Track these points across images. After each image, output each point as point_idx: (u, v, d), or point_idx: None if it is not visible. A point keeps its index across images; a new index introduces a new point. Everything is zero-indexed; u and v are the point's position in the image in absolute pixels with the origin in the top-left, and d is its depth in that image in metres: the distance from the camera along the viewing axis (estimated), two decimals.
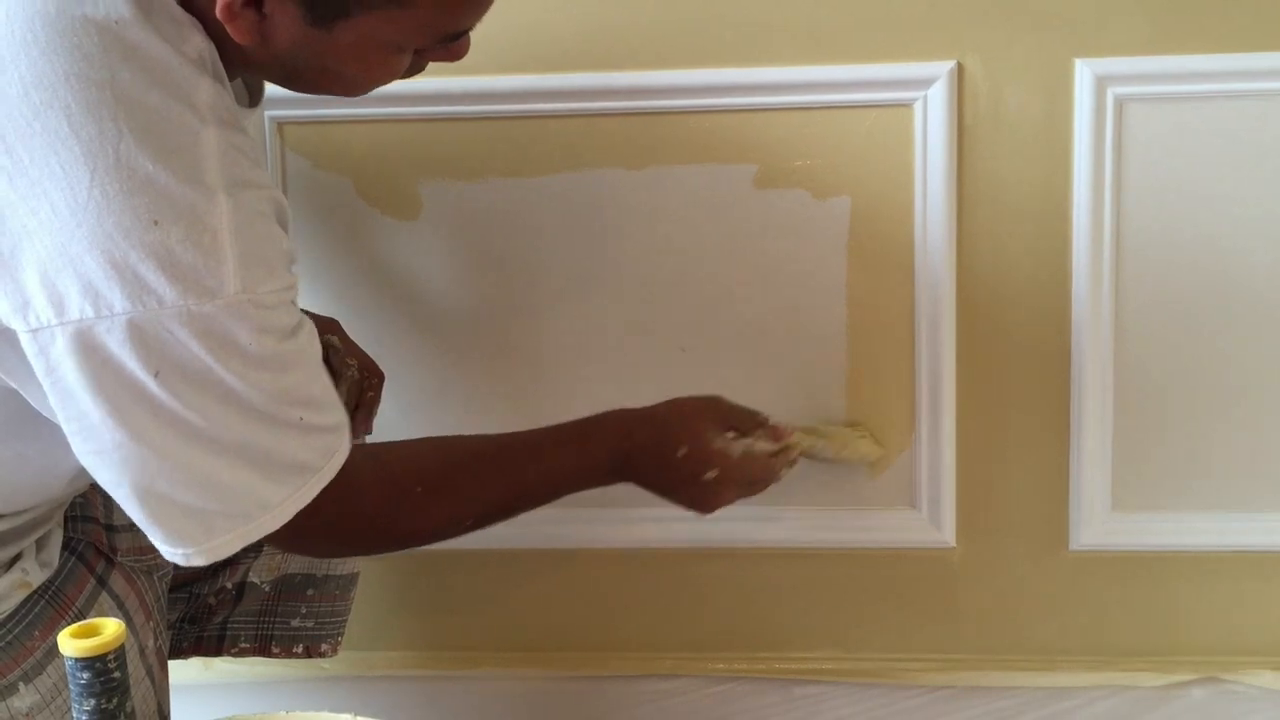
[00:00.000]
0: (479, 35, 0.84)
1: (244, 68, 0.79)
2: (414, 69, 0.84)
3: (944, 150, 1.12)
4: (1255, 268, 1.14)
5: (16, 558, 0.88)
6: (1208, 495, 1.19)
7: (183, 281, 0.70)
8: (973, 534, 1.22)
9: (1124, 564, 1.22)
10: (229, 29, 0.74)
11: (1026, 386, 1.18)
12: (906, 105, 1.12)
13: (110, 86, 0.70)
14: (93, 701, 0.59)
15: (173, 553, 0.78)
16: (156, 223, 0.70)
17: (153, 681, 0.97)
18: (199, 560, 0.78)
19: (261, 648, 1.11)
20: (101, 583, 0.95)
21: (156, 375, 0.71)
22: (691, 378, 1.20)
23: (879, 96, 1.12)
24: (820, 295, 1.17)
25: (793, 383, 1.20)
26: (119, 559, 0.98)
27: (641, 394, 1.20)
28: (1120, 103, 1.10)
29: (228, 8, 0.72)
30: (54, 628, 0.88)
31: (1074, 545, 1.21)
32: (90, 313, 0.69)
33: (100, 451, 0.74)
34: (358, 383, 1.09)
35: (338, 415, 0.82)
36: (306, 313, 0.82)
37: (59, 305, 0.70)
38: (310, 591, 1.12)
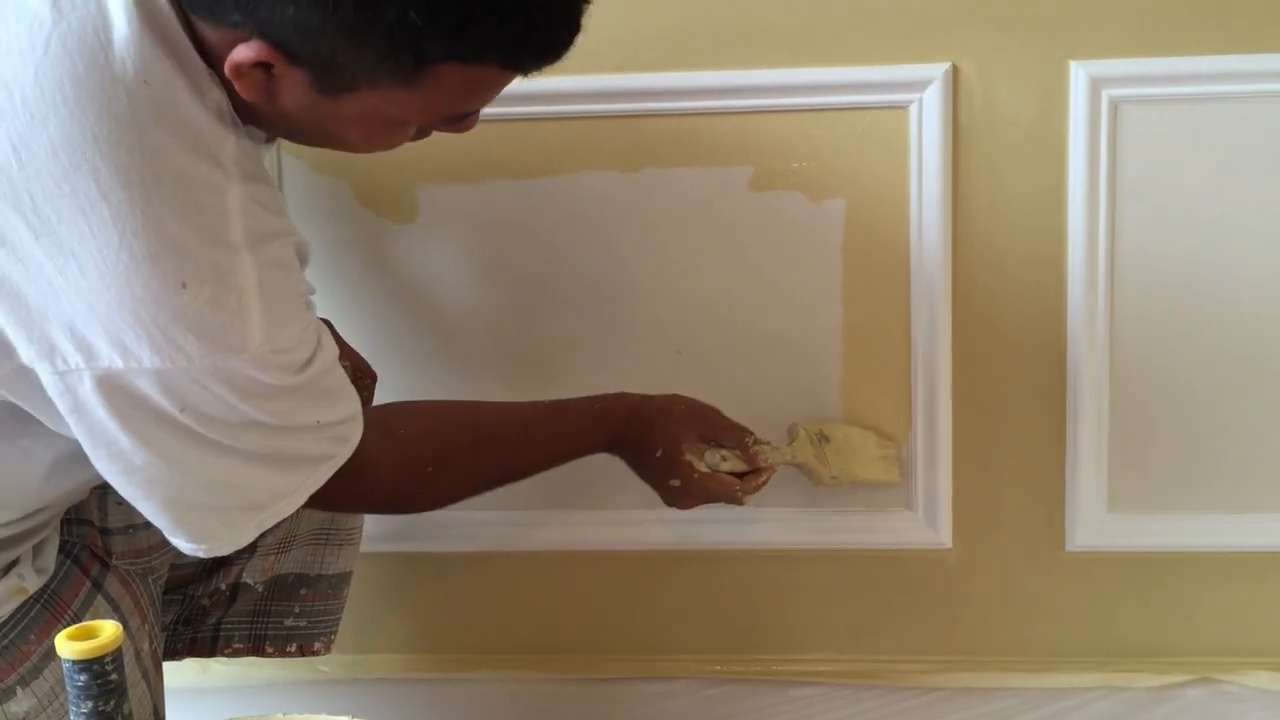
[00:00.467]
0: None
1: (251, 120, 0.78)
2: (419, 137, 0.84)
3: (939, 152, 1.12)
4: (1250, 269, 1.14)
5: (13, 564, 0.88)
6: (1203, 496, 1.19)
7: (210, 340, 0.72)
8: (969, 535, 1.22)
9: (1120, 565, 1.22)
10: (236, 85, 0.73)
11: (1022, 388, 1.18)
12: (902, 107, 1.13)
13: (139, 149, 0.70)
14: (90, 704, 0.59)
15: (195, 548, 0.81)
16: (184, 285, 0.71)
17: (148, 684, 0.97)
18: (219, 551, 0.81)
19: (255, 647, 1.12)
20: (97, 586, 0.95)
21: (182, 411, 0.74)
22: (687, 380, 1.20)
23: (874, 99, 1.12)
24: (816, 297, 1.18)
25: (788, 384, 1.20)
26: (114, 562, 0.98)
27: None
28: (1115, 104, 1.11)
29: (236, 67, 0.72)
30: (50, 631, 0.88)
31: (1070, 546, 1.21)
32: (119, 364, 0.72)
33: (129, 471, 0.76)
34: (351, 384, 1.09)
35: (351, 406, 0.85)
36: None
37: (88, 353, 0.71)
38: (303, 591, 1.12)
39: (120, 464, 0.76)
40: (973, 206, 1.14)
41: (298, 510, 0.84)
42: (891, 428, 1.20)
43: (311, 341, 0.80)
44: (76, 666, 0.59)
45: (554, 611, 1.29)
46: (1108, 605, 1.24)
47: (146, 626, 0.98)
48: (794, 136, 1.14)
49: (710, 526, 1.17)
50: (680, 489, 1.05)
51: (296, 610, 1.12)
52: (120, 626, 0.61)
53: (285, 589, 1.11)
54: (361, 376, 1.09)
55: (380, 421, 0.91)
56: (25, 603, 0.88)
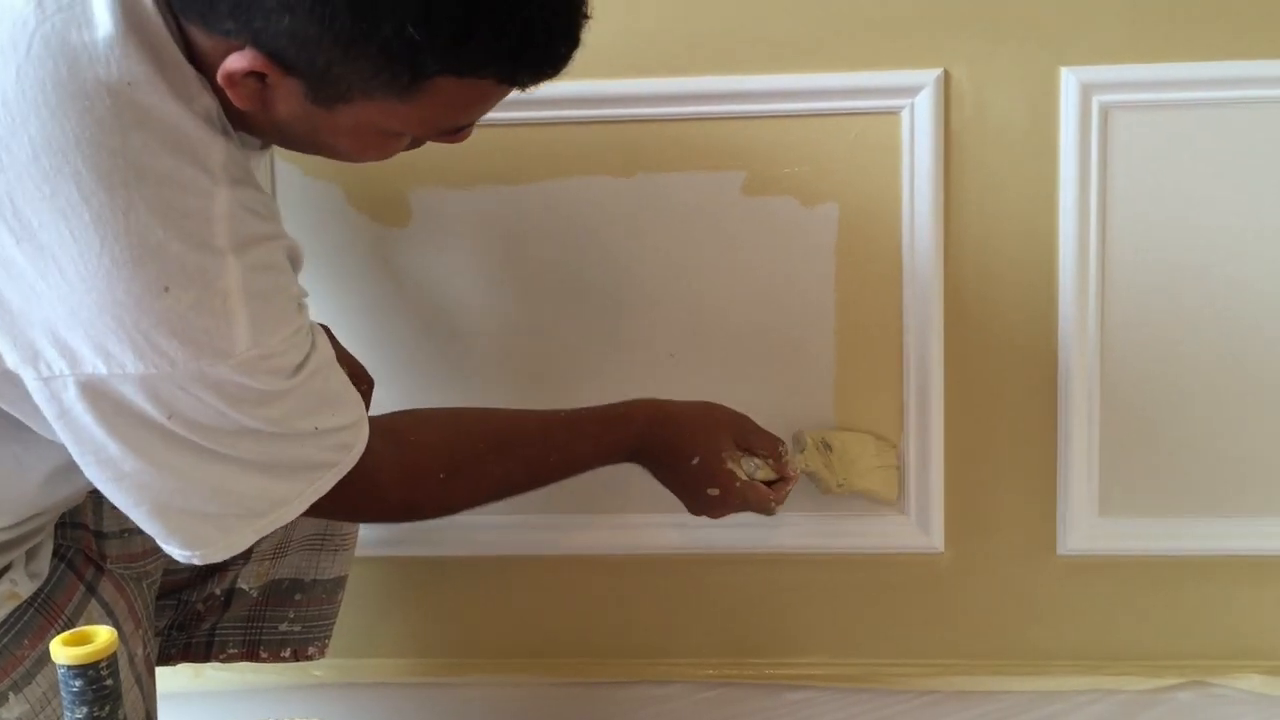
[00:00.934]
0: None
1: (243, 128, 0.78)
2: (412, 147, 0.83)
3: (931, 157, 1.13)
4: (1240, 274, 1.14)
5: (6, 568, 0.87)
6: (1195, 500, 1.20)
7: (194, 345, 0.71)
8: (961, 539, 1.23)
9: (1111, 568, 1.23)
10: (229, 94, 0.73)
11: (1014, 392, 1.19)
12: (894, 113, 1.13)
13: (122, 153, 0.69)
14: (85, 709, 0.58)
15: (188, 555, 0.79)
16: (167, 289, 0.70)
17: (141, 689, 0.97)
18: (215, 558, 0.80)
19: (249, 653, 1.11)
20: (91, 590, 0.95)
21: (170, 418, 0.73)
22: (680, 383, 1.20)
23: (866, 104, 1.13)
24: (809, 301, 1.18)
25: (782, 388, 1.20)
26: (108, 566, 0.98)
27: (630, 399, 1.20)
28: (1105, 110, 1.11)
29: (229, 75, 0.71)
30: (43, 636, 0.88)
31: (1061, 550, 1.21)
32: (103, 369, 0.71)
33: (119, 478, 0.75)
34: None
35: (353, 412, 0.84)
36: None
37: (71, 359, 0.70)
38: (298, 596, 1.12)
39: (109, 471, 0.75)
40: (964, 211, 1.15)
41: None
42: (885, 431, 1.20)
43: (304, 345, 0.79)
44: (71, 672, 0.58)
45: (548, 616, 1.29)
46: (1099, 609, 1.24)
47: (140, 631, 0.98)
48: (787, 141, 1.14)
49: (704, 531, 1.17)
50: (719, 498, 1.03)
51: (291, 615, 1.11)
52: (115, 632, 0.60)
53: (280, 594, 1.11)
54: (358, 382, 1.08)
55: (389, 428, 0.89)
56: (18, 607, 0.88)
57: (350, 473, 0.83)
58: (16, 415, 0.76)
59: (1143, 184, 1.13)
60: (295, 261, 0.81)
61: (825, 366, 1.19)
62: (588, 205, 1.17)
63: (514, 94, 0.78)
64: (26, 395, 0.73)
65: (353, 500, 0.85)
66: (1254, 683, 1.22)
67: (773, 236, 1.17)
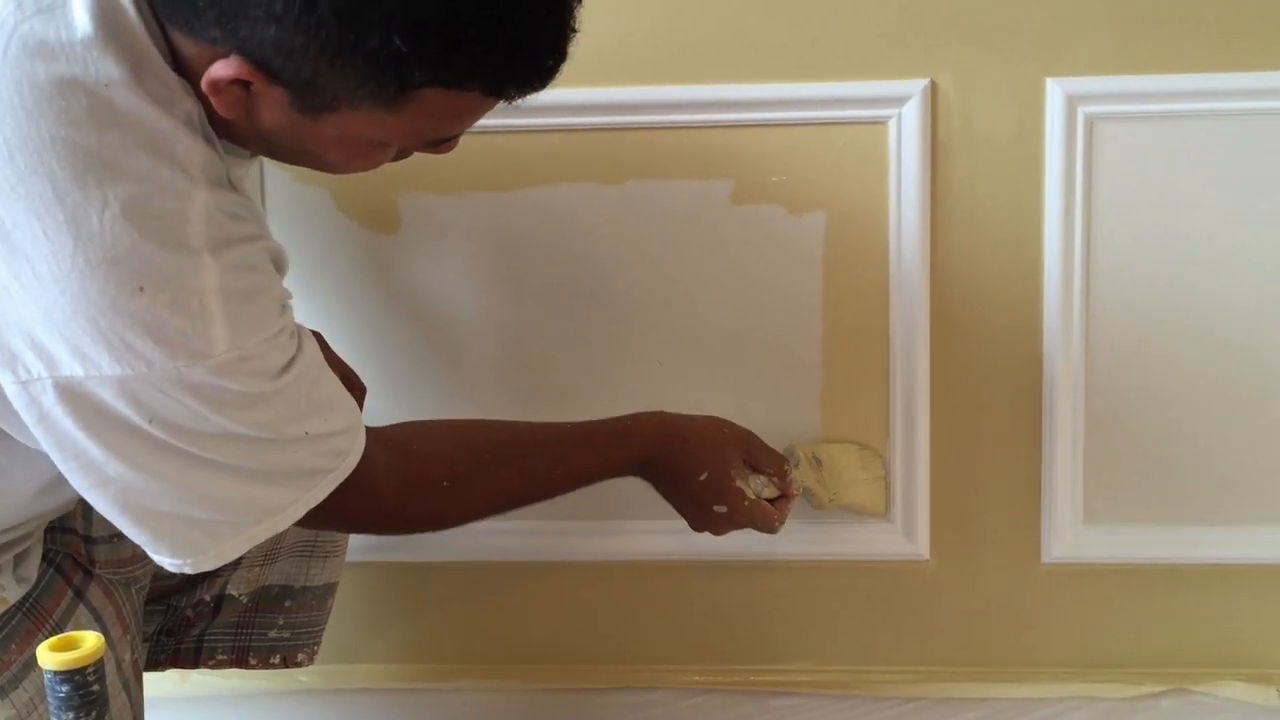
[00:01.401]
0: None
1: (228, 135, 0.77)
2: (399, 158, 0.83)
3: (918, 167, 1.13)
4: (1224, 284, 1.15)
5: None
6: (1179, 509, 1.20)
7: (170, 346, 0.70)
8: (946, 547, 1.23)
9: (1095, 577, 1.23)
10: (213, 101, 0.72)
11: (999, 400, 1.19)
12: (881, 122, 1.14)
13: (97, 152, 0.69)
14: (71, 715, 0.59)
15: (179, 564, 0.78)
16: (142, 289, 0.69)
17: (129, 695, 0.97)
18: (206, 566, 0.78)
19: (239, 659, 1.11)
20: (79, 595, 0.95)
21: (150, 421, 0.72)
22: (668, 390, 1.21)
23: (854, 114, 1.13)
24: (796, 309, 1.18)
25: (768, 395, 1.20)
26: (97, 571, 0.97)
27: (619, 407, 1.20)
28: (1091, 121, 1.12)
29: (214, 83, 0.71)
30: (30, 641, 0.88)
31: (1046, 558, 1.22)
32: (80, 372, 0.70)
33: (103, 483, 0.74)
34: None
35: (348, 417, 0.83)
36: None
37: (49, 361, 0.70)
38: (288, 603, 1.12)
39: (93, 476, 0.73)
40: (951, 220, 1.15)
41: None
42: (870, 440, 1.21)
43: (287, 348, 0.78)
44: (58, 677, 0.58)
45: (533, 622, 1.30)
46: (1084, 616, 1.25)
47: (128, 637, 0.98)
48: (775, 150, 1.15)
49: (688, 538, 1.17)
50: (725, 515, 1.03)
51: (281, 622, 1.11)
52: (102, 638, 0.60)
53: (270, 600, 1.11)
54: (350, 389, 1.08)
55: (389, 437, 0.89)
56: (6, 612, 0.87)
57: (349, 481, 0.82)
58: (1, 426, 0.76)
59: (1127, 194, 1.14)
60: (279, 264, 0.80)
61: (812, 374, 1.20)
62: (577, 212, 1.18)
63: (505, 104, 0.78)
64: (6, 401, 0.72)
65: (352, 509, 0.84)
66: (1236, 690, 1.23)
67: (761, 244, 1.17)
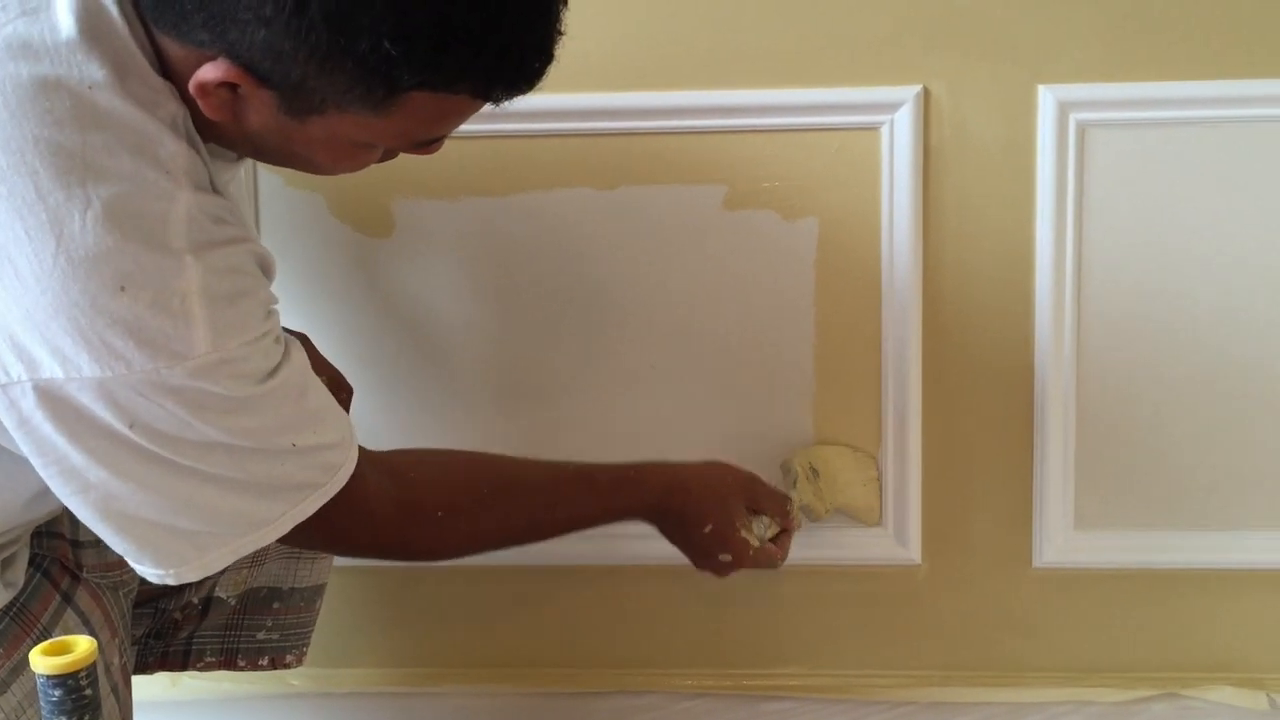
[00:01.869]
0: None
1: (214, 138, 0.77)
2: (385, 159, 0.83)
3: (910, 173, 1.13)
4: (1214, 290, 1.16)
5: None
6: (1169, 514, 1.21)
7: (150, 346, 0.69)
8: (938, 551, 1.23)
9: (1086, 581, 1.24)
10: (201, 104, 0.72)
11: (991, 406, 1.20)
12: (873, 129, 1.14)
13: (80, 153, 0.68)
14: (64, 719, 0.58)
15: (161, 574, 0.77)
16: (123, 289, 0.69)
17: (117, 699, 0.96)
18: (190, 577, 0.78)
19: (227, 661, 1.11)
20: (67, 599, 0.94)
21: (131, 427, 0.71)
22: (661, 395, 1.21)
23: (847, 120, 1.14)
24: (788, 315, 1.19)
25: (761, 401, 1.21)
26: (85, 575, 0.97)
27: (612, 410, 1.21)
28: (1082, 128, 1.12)
29: (202, 86, 0.71)
30: (18, 645, 0.87)
31: (1037, 563, 1.22)
32: (60, 373, 0.69)
33: (84, 490, 0.73)
34: None
35: (338, 431, 0.82)
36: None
37: (29, 363, 0.69)
38: (276, 605, 1.11)
39: (74, 483, 0.73)
40: (943, 226, 1.16)
41: None
42: (862, 445, 1.21)
43: (271, 353, 0.77)
44: (51, 682, 0.58)
45: (526, 626, 1.29)
46: (1075, 621, 1.25)
47: (117, 641, 0.98)
48: (768, 156, 1.15)
49: None
50: (731, 563, 1.05)
51: (269, 624, 1.11)
52: (94, 642, 0.60)
53: (258, 603, 1.10)
54: (338, 390, 1.08)
55: (387, 461, 0.88)
56: None
57: (340, 500, 0.81)
58: None
59: (1119, 200, 1.14)
60: (266, 269, 0.80)
61: (804, 379, 1.20)
62: (570, 217, 1.18)
63: (492, 107, 0.78)
64: None
65: (343, 530, 0.84)
66: (1226, 694, 1.23)
67: (753, 250, 1.17)
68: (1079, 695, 1.25)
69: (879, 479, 1.20)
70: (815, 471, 1.17)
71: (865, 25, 1.12)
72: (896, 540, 1.22)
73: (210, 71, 0.70)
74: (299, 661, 1.14)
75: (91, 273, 0.68)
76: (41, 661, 0.58)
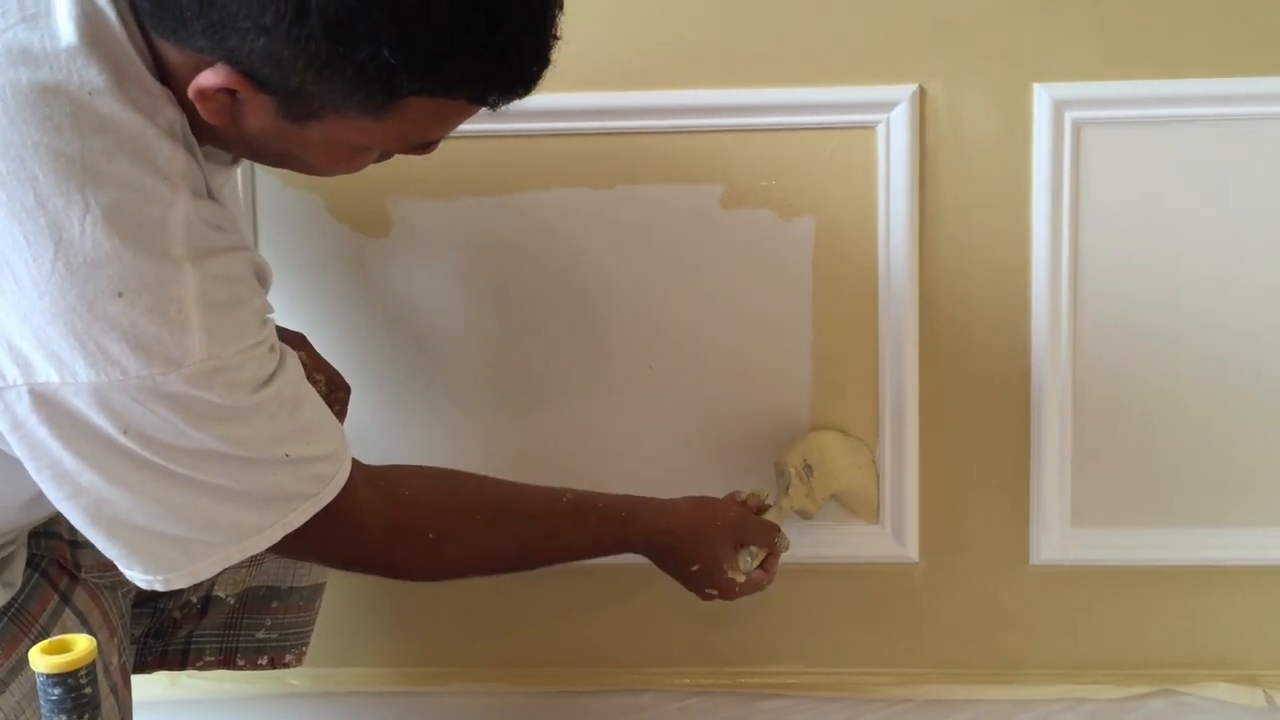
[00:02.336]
0: None
1: (211, 141, 0.78)
2: (381, 159, 0.83)
3: (906, 172, 1.14)
4: (1210, 287, 1.16)
5: None
6: (1165, 511, 1.21)
7: (146, 353, 0.70)
8: (936, 549, 1.24)
9: (1083, 579, 1.24)
10: (199, 108, 0.72)
11: (988, 404, 1.20)
12: (870, 128, 1.14)
13: (80, 158, 0.69)
14: (64, 718, 0.58)
15: (150, 580, 0.77)
16: (120, 295, 0.69)
17: (116, 699, 0.96)
18: (179, 584, 0.78)
19: (226, 660, 1.11)
20: (65, 599, 0.94)
21: (125, 433, 0.71)
22: (658, 395, 1.21)
23: (843, 119, 1.14)
24: (785, 313, 1.19)
25: (758, 399, 1.21)
26: (83, 575, 0.97)
27: (609, 410, 1.21)
28: (1078, 126, 1.13)
29: (200, 91, 0.71)
30: (17, 645, 0.87)
31: (1034, 560, 1.22)
32: (55, 378, 0.69)
33: (76, 494, 0.73)
34: (325, 397, 1.09)
35: (332, 443, 0.82)
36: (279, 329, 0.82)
37: (25, 367, 0.69)
38: (275, 604, 1.11)
39: (67, 487, 0.73)
40: (939, 225, 1.16)
41: None
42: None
43: (266, 362, 0.77)
44: (51, 680, 0.58)
45: (525, 625, 1.29)
46: (1071, 618, 1.25)
47: (115, 640, 0.98)
48: (764, 155, 1.15)
49: None
50: (719, 596, 1.07)
51: (268, 623, 1.11)
52: (94, 641, 0.60)
53: (257, 601, 1.10)
54: (336, 389, 1.08)
55: (381, 477, 0.89)
56: None
57: (331, 512, 0.81)
58: None
59: (1114, 199, 1.14)
60: (262, 277, 0.80)
61: (801, 377, 1.20)
62: (567, 217, 1.18)
63: (488, 110, 0.79)
64: None
65: (333, 543, 0.84)
66: (1222, 691, 1.24)
67: (750, 249, 1.17)
68: (1076, 692, 1.25)
69: (874, 464, 1.20)
70: (809, 468, 1.17)
71: (861, 24, 1.12)
72: (894, 538, 1.23)
73: (209, 77, 0.71)
74: (298, 661, 1.14)
75: (89, 278, 0.68)
76: (41, 660, 0.58)
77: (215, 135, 0.77)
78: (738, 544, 1.08)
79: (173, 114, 0.73)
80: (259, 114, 0.74)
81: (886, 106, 1.13)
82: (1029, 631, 1.26)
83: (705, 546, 1.05)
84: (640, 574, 1.26)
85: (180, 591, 1.08)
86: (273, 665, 1.12)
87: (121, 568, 0.78)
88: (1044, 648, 1.26)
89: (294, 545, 0.81)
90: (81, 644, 0.59)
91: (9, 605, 0.89)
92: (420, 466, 0.97)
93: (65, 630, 0.91)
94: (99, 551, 0.96)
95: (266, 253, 0.93)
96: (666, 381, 1.21)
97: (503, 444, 1.23)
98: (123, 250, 0.69)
